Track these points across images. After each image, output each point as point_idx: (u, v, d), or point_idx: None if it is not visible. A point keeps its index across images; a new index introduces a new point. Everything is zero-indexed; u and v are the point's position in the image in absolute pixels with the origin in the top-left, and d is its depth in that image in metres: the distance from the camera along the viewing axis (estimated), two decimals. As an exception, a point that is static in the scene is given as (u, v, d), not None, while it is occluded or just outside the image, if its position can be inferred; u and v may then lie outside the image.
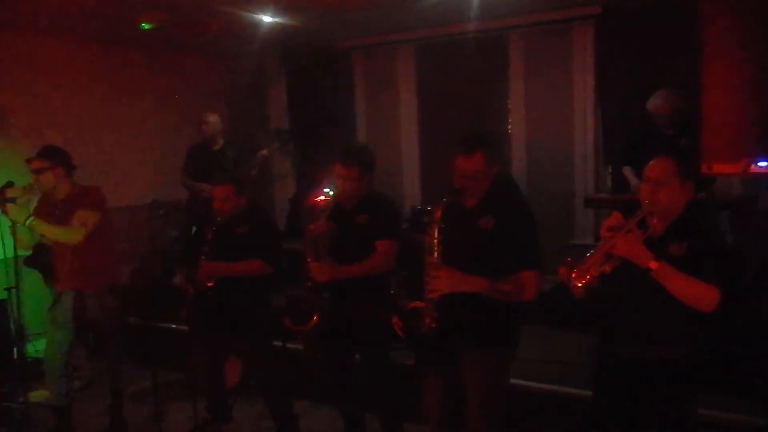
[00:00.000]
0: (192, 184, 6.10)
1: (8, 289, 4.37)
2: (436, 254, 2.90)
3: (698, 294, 2.51)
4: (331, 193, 3.68)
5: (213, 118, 6.20)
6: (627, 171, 5.09)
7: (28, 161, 4.20)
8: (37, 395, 4.58)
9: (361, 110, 7.39)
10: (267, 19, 5.58)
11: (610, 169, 5.95)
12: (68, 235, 4.11)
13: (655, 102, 4.89)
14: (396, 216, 3.83)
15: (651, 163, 2.71)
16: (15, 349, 4.80)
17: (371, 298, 3.59)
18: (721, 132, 5.36)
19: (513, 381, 3.20)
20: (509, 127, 6.50)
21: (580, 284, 2.58)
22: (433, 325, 2.88)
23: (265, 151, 6.52)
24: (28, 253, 4.76)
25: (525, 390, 3.95)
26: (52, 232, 4.12)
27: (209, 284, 3.89)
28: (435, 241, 2.91)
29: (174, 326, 5.31)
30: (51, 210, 4.21)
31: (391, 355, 3.80)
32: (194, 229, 4.15)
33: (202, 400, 4.13)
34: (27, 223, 4.00)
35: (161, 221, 4.10)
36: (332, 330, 3.64)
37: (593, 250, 2.65)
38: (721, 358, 3.58)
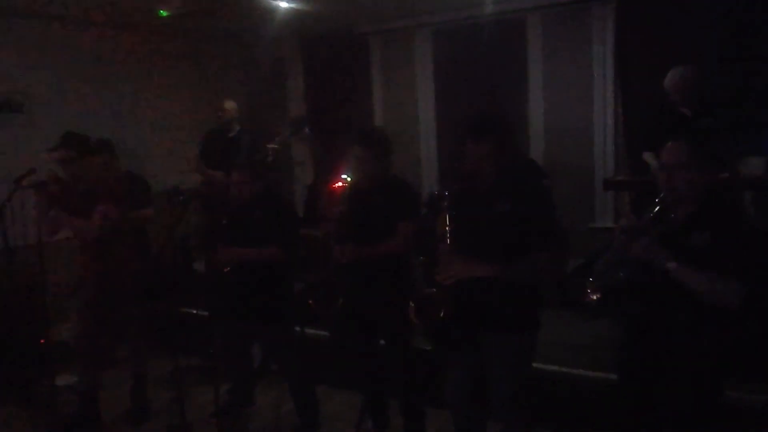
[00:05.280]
0: (205, 170, 6.11)
1: (35, 274, 4.42)
2: (448, 240, 2.90)
3: (719, 292, 2.42)
4: (349, 179, 3.68)
5: (229, 105, 6.20)
6: (647, 156, 4.96)
7: (50, 151, 4.17)
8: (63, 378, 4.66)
9: (378, 96, 7.36)
10: (284, 4, 5.57)
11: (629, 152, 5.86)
12: (83, 229, 4.15)
13: (672, 79, 4.67)
14: (414, 197, 3.81)
15: (665, 147, 2.62)
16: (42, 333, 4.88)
17: (393, 283, 3.59)
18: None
19: (534, 365, 3.19)
20: (528, 109, 6.45)
21: (595, 297, 2.55)
22: (449, 312, 2.88)
23: (275, 145, 6.44)
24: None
25: (545, 374, 3.95)
26: (69, 223, 4.16)
27: (226, 269, 3.92)
28: (446, 228, 2.90)
29: (195, 311, 5.36)
30: (74, 198, 4.20)
31: (413, 340, 3.81)
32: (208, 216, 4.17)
33: (223, 384, 4.16)
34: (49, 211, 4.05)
35: (181, 207, 4.12)
36: (355, 313, 3.66)
37: (606, 255, 2.59)
38: (748, 340, 3.51)
